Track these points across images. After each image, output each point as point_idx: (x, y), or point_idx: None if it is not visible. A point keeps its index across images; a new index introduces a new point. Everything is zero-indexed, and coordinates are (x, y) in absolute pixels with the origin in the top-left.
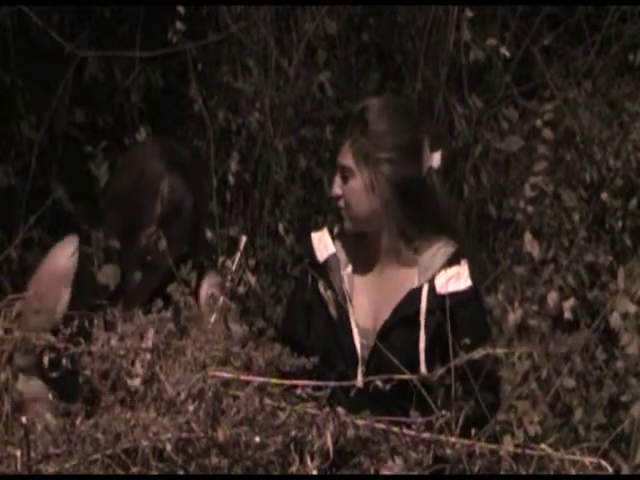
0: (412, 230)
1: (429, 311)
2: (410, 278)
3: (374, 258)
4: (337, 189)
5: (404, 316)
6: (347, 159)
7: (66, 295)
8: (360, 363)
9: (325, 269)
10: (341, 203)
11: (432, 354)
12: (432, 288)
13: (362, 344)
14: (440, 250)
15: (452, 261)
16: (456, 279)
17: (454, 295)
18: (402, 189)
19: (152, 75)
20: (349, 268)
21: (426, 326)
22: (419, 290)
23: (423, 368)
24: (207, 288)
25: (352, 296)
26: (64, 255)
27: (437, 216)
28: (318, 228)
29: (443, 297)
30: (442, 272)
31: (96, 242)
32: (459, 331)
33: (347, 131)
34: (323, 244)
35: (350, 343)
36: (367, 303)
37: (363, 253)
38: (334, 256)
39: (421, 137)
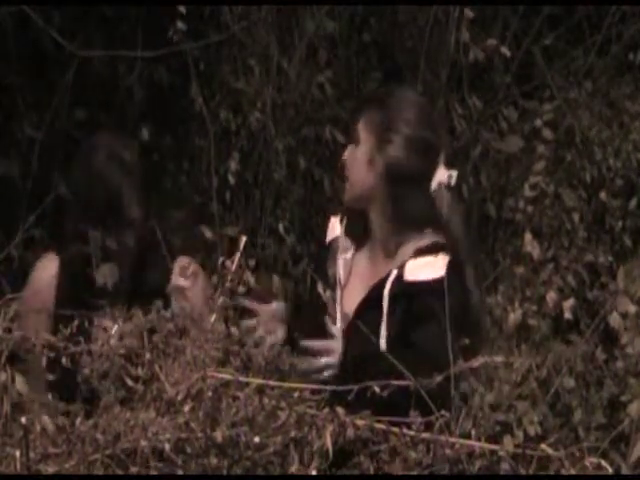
0: (397, 223)
1: (393, 297)
2: (392, 264)
3: (370, 242)
4: (346, 154)
5: (370, 301)
6: (362, 127)
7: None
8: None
9: (330, 250)
10: (347, 171)
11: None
12: (400, 275)
13: (342, 329)
14: (420, 241)
15: (425, 251)
16: (427, 268)
17: (419, 283)
18: (397, 178)
19: (153, 75)
20: (349, 253)
21: (389, 311)
22: (387, 275)
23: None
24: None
25: (348, 280)
26: (44, 274)
27: (427, 219)
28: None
29: (410, 284)
30: (412, 260)
31: (94, 242)
32: (413, 318)
33: (367, 104)
34: (332, 226)
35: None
36: (359, 287)
37: (360, 236)
38: (336, 239)
39: (434, 142)
